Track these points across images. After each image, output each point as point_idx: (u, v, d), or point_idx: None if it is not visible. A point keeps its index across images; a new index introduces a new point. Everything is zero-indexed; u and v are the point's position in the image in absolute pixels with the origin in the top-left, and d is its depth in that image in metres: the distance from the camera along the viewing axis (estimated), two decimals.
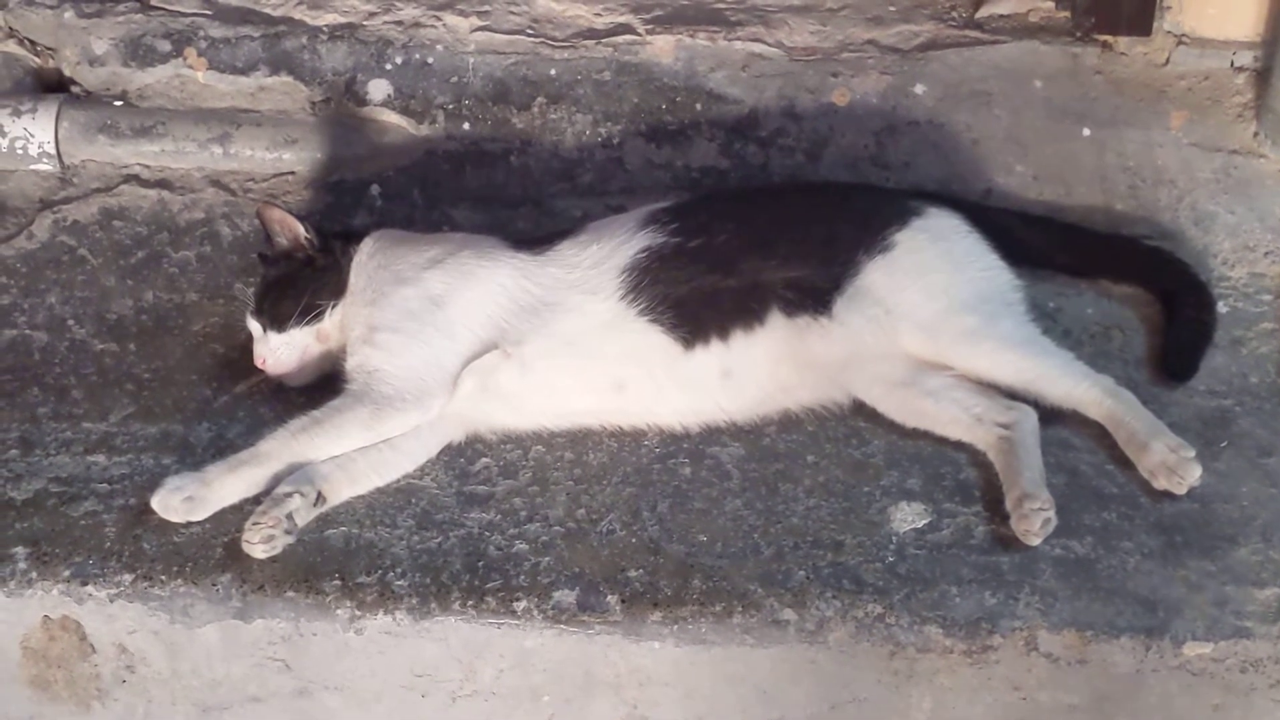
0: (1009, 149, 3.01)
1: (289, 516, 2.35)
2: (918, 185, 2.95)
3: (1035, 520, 2.30)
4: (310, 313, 2.60)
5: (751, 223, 2.64)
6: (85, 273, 2.96)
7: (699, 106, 3.08)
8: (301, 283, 2.64)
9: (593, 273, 2.59)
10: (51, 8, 3.22)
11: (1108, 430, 2.49)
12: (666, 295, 2.54)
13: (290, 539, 2.34)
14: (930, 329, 2.53)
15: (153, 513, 2.37)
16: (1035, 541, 2.31)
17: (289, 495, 2.37)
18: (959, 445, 2.51)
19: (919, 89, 3.05)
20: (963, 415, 2.50)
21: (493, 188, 3.06)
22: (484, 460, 2.54)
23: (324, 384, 2.61)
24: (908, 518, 2.40)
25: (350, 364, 2.56)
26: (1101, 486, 2.44)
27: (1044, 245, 2.78)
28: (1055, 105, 3.02)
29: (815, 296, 2.55)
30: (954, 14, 3.13)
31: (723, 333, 2.54)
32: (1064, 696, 2.25)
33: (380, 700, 2.34)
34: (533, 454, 2.55)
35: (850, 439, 2.55)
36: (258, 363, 2.62)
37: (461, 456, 2.55)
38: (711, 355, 2.54)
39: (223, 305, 2.87)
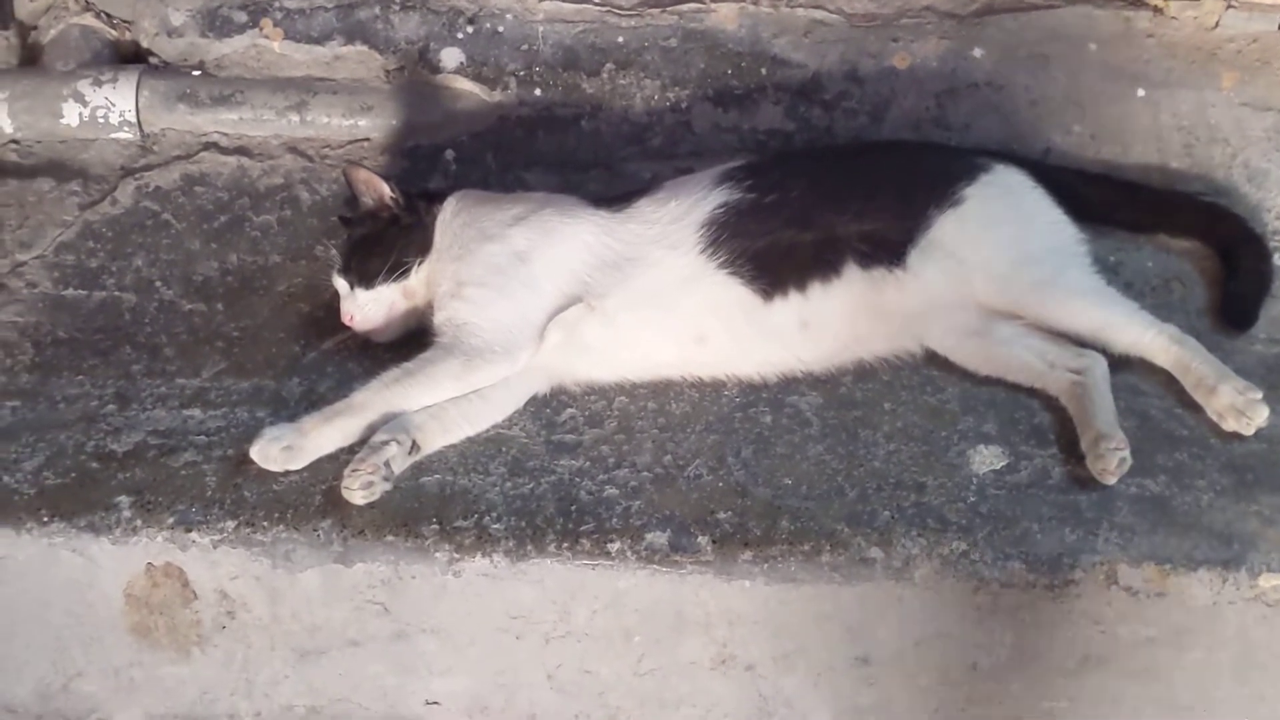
0: (1067, 110, 3.03)
1: (386, 464, 2.36)
2: (980, 145, 2.97)
3: (1112, 459, 2.33)
4: (397, 269, 2.62)
5: (825, 179, 2.66)
6: (170, 236, 2.98)
7: (763, 71, 3.10)
8: (388, 240, 2.66)
9: (672, 228, 2.61)
10: None
11: (1175, 376, 2.52)
12: (745, 249, 2.57)
13: (388, 485, 2.36)
14: (1002, 279, 2.56)
15: (252, 462, 2.39)
16: (1112, 480, 2.34)
17: (386, 443, 2.38)
18: (1031, 391, 2.54)
19: (977, 52, 3.07)
20: (1035, 362, 2.53)
21: (564, 151, 3.09)
22: (570, 410, 2.56)
23: (409, 340, 2.63)
24: (986, 460, 2.42)
25: (439, 318, 2.58)
26: (1172, 429, 2.47)
27: (1104, 201, 2.81)
28: (1110, 67, 3.05)
29: (889, 249, 2.57)
30: None
31: (800, 285, 2.56)
32: (1143, 630, 2.27)
33: (475, 643, 2.35)
34: (617, 404, 2.57)
35: (925, 386, 2.58)
36: (345, 319, 2.64)
37: (547, 407, 2.57)
38: (790, 307, 2.56)
39: (305, 266, 2.90)
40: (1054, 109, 3.03)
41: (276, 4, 3.19)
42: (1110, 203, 2.82)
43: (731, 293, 2.57)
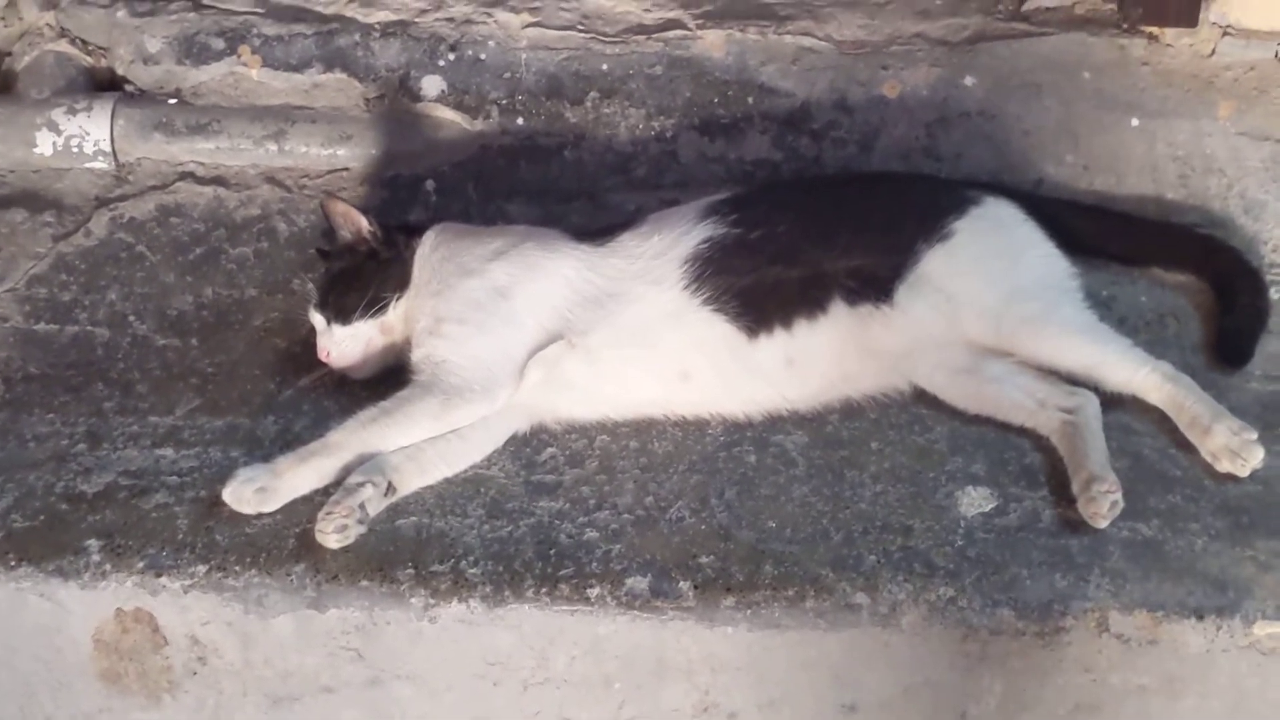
0: (1060, 140, 3.01)
1: (361, 506, 2.34)
2: (970, 176, 2.96)
3: (1103, 503, 2.30)
4: (375, 305, 2.61)
5: (811, 213, 2.64)
6: (144, 269, 2.97)
7: (751, 100, 3.09)
8: (365, 275, 2.64)
9: (655, 263, 2.59)
10: (104, 7, 3.23)
11: (1168, 415, 2.49)
12: (730, 285, 2.55)
13: (363, 528, 2.34)
14: (992, 315, 2.54)
15: (224, 504, 2.37)
16: (1103, 524, 2.31)
17: (361, 485, 2.36)
18: (1021, 431, 2.51)
19: (969, 81, 3.05)
20: (1026, 400, 2.51)
21: (547, 182, 3.07)
22: (550, 450, 2.54)
23: (387, 377, 2.61)
24: (975, 502, 2.40)
25: (417, 355, 2.56)
26: (1165, 470, 2.45)
27: (1097, 234, 2.79)
28: (1104, 96, 3.03)
29: (877, 285, 2.55)
30: (1000, 7, 3.14)
31: (786, 322, 2.54)
32: (1134, 678, 2.25)
33: (452, 689, 2.33)
34: (598, 443, 2.55)
35: (913, 425, 2.56)
36: (321, 356, 2.63)
37: (527, 446, 2.54)
38: (775, 344, 2.54)
39: (282, 300, 2.88)
40: (1047, 139, 3.01)
41: (255, 31, 3.18)
42: (1104, 235, 2.81)
43: (716, 330, 2.55)
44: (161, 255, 2.99)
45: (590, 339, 2.55)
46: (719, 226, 2.61)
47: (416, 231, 2.72)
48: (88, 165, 3.12)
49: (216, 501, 2.39)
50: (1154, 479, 2.43)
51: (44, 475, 2.49)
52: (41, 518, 2.41)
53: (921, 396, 2.59)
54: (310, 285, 2.79)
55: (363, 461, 2.42)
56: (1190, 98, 3.03)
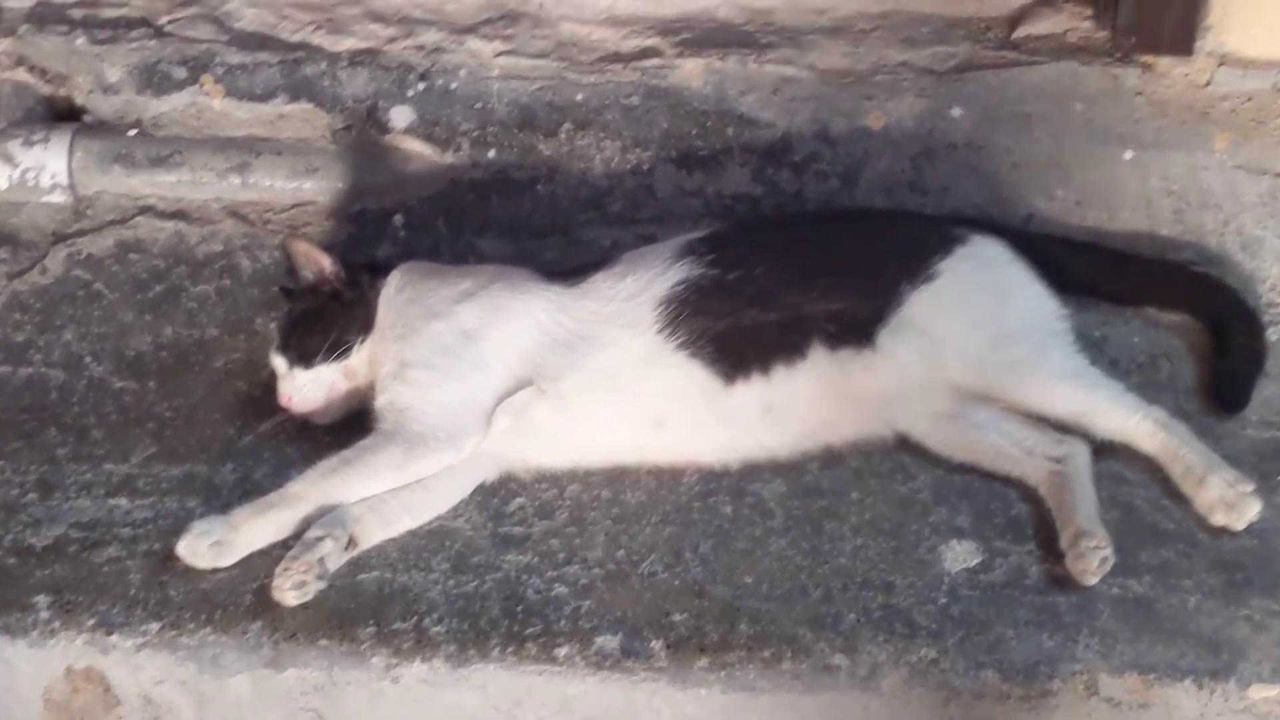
0: (1050, 173, 2.97)
1: (320, 561, 2.30)
2: (957, 211, 2.92)
3: (1092, 559, 2.26)
4: (337, 348, 2.56)
5: (790, 253, 2.60)
6: (102, 308, 2.91)
7: (730, 131, 3.04)
8: (328, 318, 2.60)
9: (629, 305, 2.54)
10: (63, 34, 3.18)
11: (1161, 464, 2.44)
12: (706, 329, 2.50)
13: (322, 584, 2.29)
14: (977, 360, 2.49)
15: (179, 559, 2.32)
16: (1092, 581, 2.26)
17: (320, 539, 2.32)
18: (1008, 480, 2.47)
19: (956, 111, 3.01)
20: (1012, 449, 2.47)
21: (519, 217, 3.03)
22: (518, 500, 2.49)
23: (351, 422, 2.56)
24: (959, 557, 2.35)
25: (381, 402, 2.51)
26: (1158, 522, 2.40)
27: (1088, 272, 2.74)
28: (1096, 127, 2.98)
29: (858, 329, 2.50)
30: (989, 34, 3.10)
31: (764, 367, 2.50)
32: None
33: None
34: (569, 493, 2.50)
35: (896, 474, 2.51)
36: (283, 401, 2.58)
37: (495, 496, 2.50)
38: (752, 390, 2.50)
39: (244, 340, 2.83)
40: (1036, 172, 2.97)
41: (218, 59, 3.14)
42: (1095, 273, 2.76)
43: (691, 375, 2.50)
44: (120, 293, 2.94)
45: (561, 384, 2.50)
46: (695, 267, 2.56)
47: (382, 271, 2.67)
48: (45, 199, 3.07)
49: (171, 555, 2.34)
50: (1146, 532, 2.38)
51: None
52: None
53: (905, 444, 2.53)
54: (273, 326, 2.73)
55: (323, 513, 2.37)
56: (1185, 129, 2.98)
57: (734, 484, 2.50)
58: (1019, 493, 2.45)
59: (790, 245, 2.63)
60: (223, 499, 2.48)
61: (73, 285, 2.95)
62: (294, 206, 3.06)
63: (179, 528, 2.36)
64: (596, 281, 2.60)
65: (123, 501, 2.50)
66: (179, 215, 3.07)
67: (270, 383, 2.62)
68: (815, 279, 2.53)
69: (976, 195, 2.96)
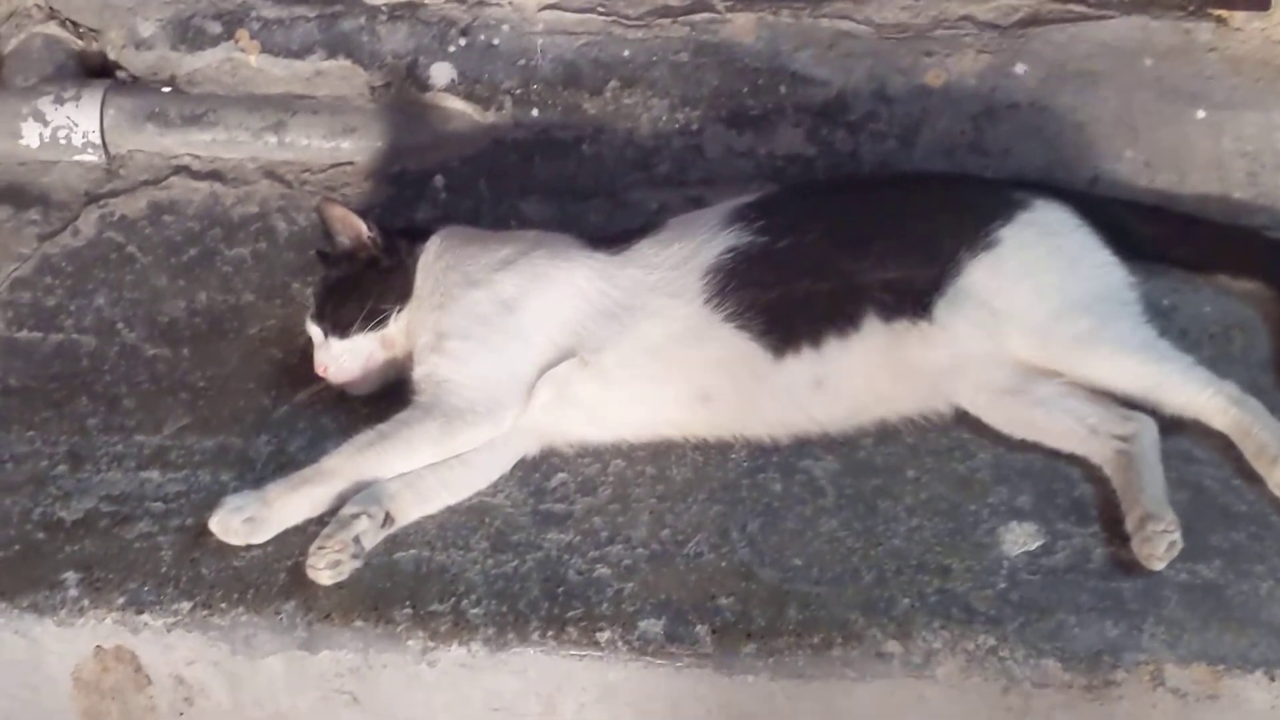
0: (1118, 133, 2.89)
1: (356, 539, 2.26)
2: (1019, 173, 2.84)
3: (1159, 543, 2.19)
4: (374, 317, 2.52)
5: (844, 219, 2.53)
6: (134, 272, 2.89)
7: (783, 89, 2.97)
8: (365, 285, 2.56)
9: (675, 274, 2.49)
10: None
11: (1233, 442, 2.37)
12: (755, 299, 2.44)
13: (358, 563, 2.26)
14: (1040, 333, 2.43)
15: (211, 535, 2.30)
16: (1159, 566, 2.20)
17: (356, 516, 2.28)
18: (1072, 459, 2.40)
19: (1020, 69, 2.93)
20: (1076, 426, 2.39)
21: (563, 178, 2.97)
22: (560, 475, 2.45)
23: (390, 392, 2.53)
24: (1019, 539, 2.29)
25: (418, 373, 2.47)
26: (1229, 504, 2.32)
27: (1157, 238, 2.66)
28: (1167, 85, 2.90)
29: (914, 299, 2.44)
30: None
31: (815, 339, 2.43)
32: None
33: None
34: (612, 468, 2.46)
35: (953, 452, 2.45)
36: (319, 370, 2.54)
37: (536, 471, 2.46)
38: (803, 363, 2.44)
39: (280, 307, 2.80)
40: (1103, 132, 2.89)
41: (253, 13, 3.09)
42: (1165, 239, 2.68)
43: (739, 347, 2.44)
44: (153, 257, 2.91)
45: (604, 356, 2.45)
46: (744, 234, 2.50)
47: (420, 236, 2.63)
48: (76, 158, 3.04)
49: (203, 531, 2.31)
50: (1216, 514, 2.30)
51: (21, 500, 2.43)
52: (16, 548, 2.35)
53: (963, 419, 2.47)
54: (309, 291, 2.70)
55: (359, 489, 2.34)
56: (1261, 87, 2.89)
57: (784, 460, 2.45)
58: (1083, 472, 2.38)
59: (844, 211, 2.56)
60: (257, 473, 2.45)
61: (105, 248, 2.92)
62: (331, 167, 3.02)
63: (212, 502, 2.33)
64: (642, 248, 2.54)
65: (154, 474, 2.47)
66: (214, 176, 3.03)
67: (307, 351, 2.59)
68: (869, 246, 2.47)
69: (1040, 157, 2.89)
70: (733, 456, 2.47)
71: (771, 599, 2.21)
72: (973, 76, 2.94)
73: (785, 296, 2.45)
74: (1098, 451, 2.37)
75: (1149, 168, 2.88)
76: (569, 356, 2.46)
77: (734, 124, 2.97)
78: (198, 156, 3.04)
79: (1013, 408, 2.44)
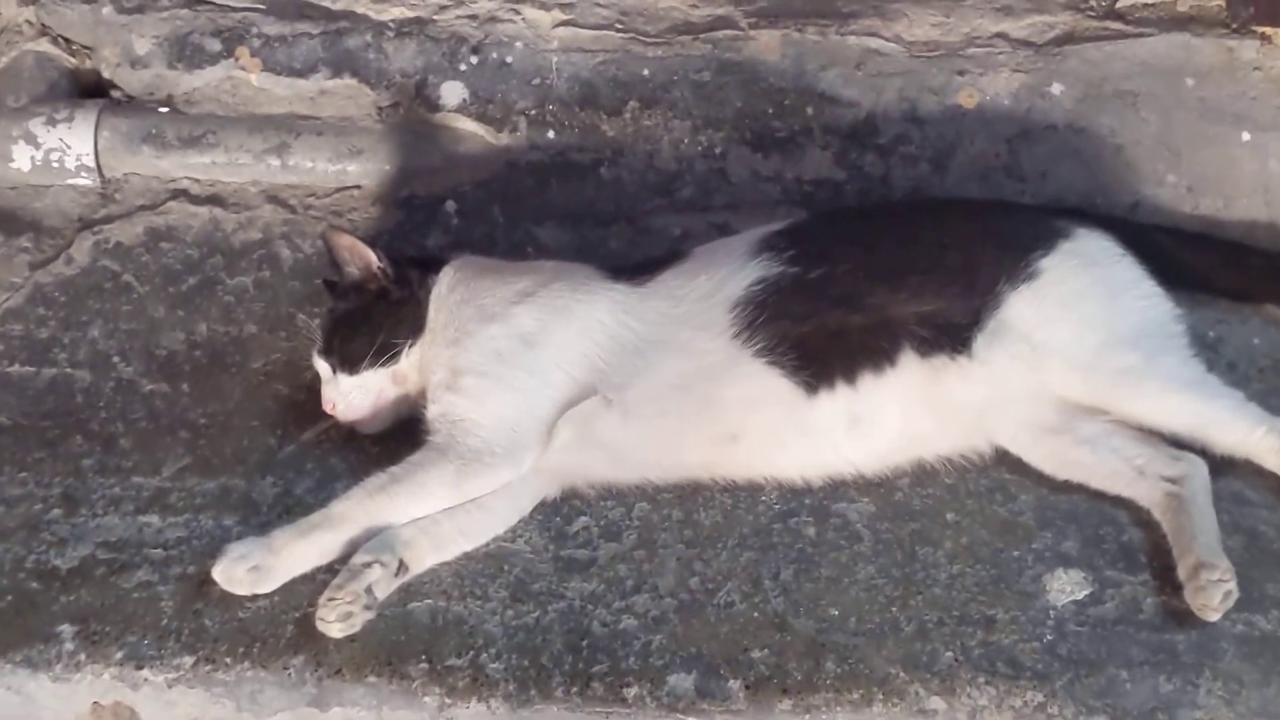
0: (1159, 156, 2.84)
1: (368, 590, 2.19)
2: (1057, 198, 2.80)
3: (1214, 593, 2.13)
4: (385, 353, 2.46)
5: (877, 249, 2.47)
6: (131, 302, 2.81)
7: (810, 110, 2.92)
8: (375, 318, 2.49)
9: (702, 307, 2.42)
10: (88, 2, 3.08)
11: None
12: (786, 333, 2.38)
13: (370, 615, 2.19)
14: (1084, 369, 2.36)
15: (214, 584, 2.23)
16: (1214, 617, 2.14)
17: (368, 565, 2.21)
18: (1119, 501, 2.34)
19: (1056, 89, 2.87)
20: (1123, 467, 2.34)
21: (581, 203, 2.91)
22: (582, 519, 2.38)
23: (401, 430, 2.46)
24: (1066, 588, 2.23)
25: (432, 412, 2.40)
26: None
27: (1202, 266, 2.61)
28: (1210, 106, 2.86)
29: (952, 333, 2.37)
30: (1092, 3, 2.95)
31: (849, 375, 2.37)
32: None
33: None
34: (637, 512, 2.39)
35: (994, 494, 2.39)
36: (327, 408, 2.48)
37: (557, 515, 2.39)
38: (837, 401, 2.37)
39: (285, 339, 2.73)
40: (1144, 155, 2.84)
41: (254, 30, 3.03)
42: (1210, 267, 2.63)
43: (770, 384, 2.37)
44: (150, 286, 2.84)
45: (628, 394, 2.38)
46: (774, 264, 2.43)
47: (433, 266, 2.56)
48: (69, 182, 2.97)
49: (206, 580, 2.24)
50: (1272, 561, 2.25)
51: (13, 547, 2.36)
52: (9, 598, 2.27)
53: (1004, 459, 2.41)
54: (315, 323, 2.63)
55: (370, 535, 2.27)
56: None
57: (817, 503, 2.39)
58: (1131, 515, 2.33)
59: (877, 239, 2.50)
60: (262, 516, 2.39)
61: (100, 276, 2.85)
62: (337, 191, 2.95)
63: (214, 549, 2.27)
64: (666, 280, 2.48)
65: (154, 519, 2.40)
66: (213, 200, 2.96)
67: (313, 385, 2.53)
68: (905, 277, 2.41)
69: (1078, 181, 2.84)
70: (763, 499, 2.40)
71: (807, 651, 2.15)
72: (1007, 97, 2.89)
73: (818, 330, 2.38)
74: (1146, 494, 2.32)
75: (1192, 192, 2.83)
76: (590, 394, 2.39)
77: (759, 146, 2.92)
78: (197, 180, 2.97)
79: (1056, 447, 2.38)
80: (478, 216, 2.90)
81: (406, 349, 2.47)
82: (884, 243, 2.48)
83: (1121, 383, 2.36)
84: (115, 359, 2.72)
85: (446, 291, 2.51)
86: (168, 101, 3.04)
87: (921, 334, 2.37)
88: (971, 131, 2.88)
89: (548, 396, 2.39)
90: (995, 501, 2.37)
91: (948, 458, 2.42)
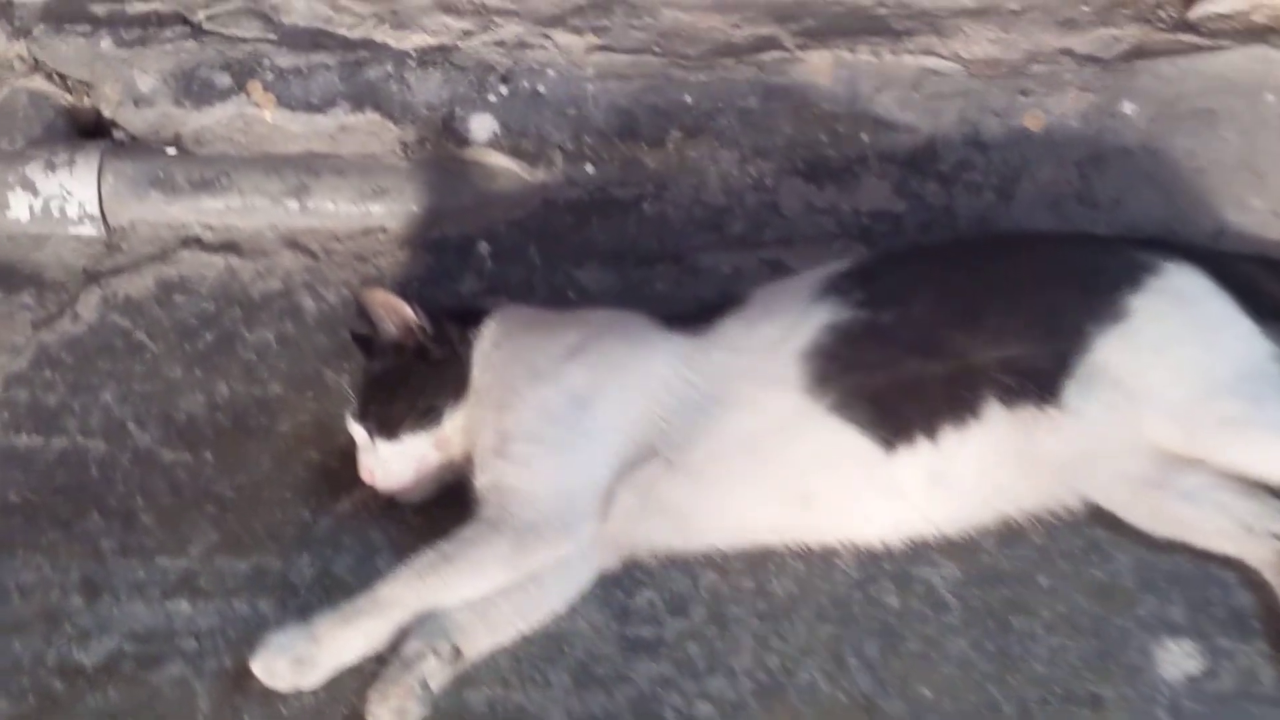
0: (1242, 179, 2.68)
1: (423, 683, 2.09)
2: (1133, 227, 2.65)
3: None
4: (428, 416, 2.32)
5: (952, 289, 2.31)
6: (144, 362, 2.65)
7: (865, 137, 2.77)
8: (415, 380, 2.35)
9: (767, 358, 2.28)
10: (85, 35, 2.90)
11: None
12: (860, 385, 2.24)
13: (425, 711, 2.09)
14: (1183, 418, 2.21)
15: (253, 678, 2.11)
16: None
17: (421, 656, 2.11)
18: (1225, 561, 2.21)
19: (1127, 108, 2.73)
20: (1229, 524, 2.19)
21: (624, 241, 2.75)
22: (646, 593, 2.26)
23: (444, 499, 2.33)
24: (1176, 659, 2.12)
25: (481, 482, 2.26)
26: None
27: None
28: None
29: (1039, 381, 2.23)
30: (1162, 13, 2.79)
31: (929, 430, 2.23)
32: None
33: None
34: (704, 583, 2.27)
35: (1089, 554, 2.26)
36: (365, 477, 2.34)
37: (618, 588, 2.27)
38: (917, 457, 2.23)
39: (313, 399, 2.57)
40: (1225, 178, 2.68)
41: (266, 62, 2.86)
42: None
43: (844, 441, 2.23)
44: (165, 344, 2.67)
45: (691, 455, 2.24)
46: (843, 308, 2.29)
47: (473, 320, 2.42)
48: (72, 231, 2.81)
49: (244, 673, 2.12)
50: None
51: (32, 641, 2.25)
52: (30, 699, 2.18)
53: (1097, 515, 2.26)
54: (346, 382, 2.50)
55: (420, 619, 2.16)
56: None
57: (898, 569, 2.26)
58: (1239, 576, 2.20)
59: (951, 277, 2.35)
60: (300, 599, 2.27)
61: (110, 334, 2.69)
62: (361, 234, 2.79)
63: (250, 636, 2.17)
64: (726, 328, 2.34)
65: (183, 605, 2.29)
66: (229, 248, 2.80)
67: (347, 450, 2.39)
68: (984, 320, 2.26)
69: (1156, 208, 2.68)
70: (839, 565, 2.28)
71: None
72: (1075, 118, 2.74)
73: (894, 381, 2.24)
74: (1255, 553, 2.19)
75: (1278, 217, 2.67)
76: (650, 456, 2.26)
77: (812, 177, 2.77)
78: (210, 227, 2.81)
79: (1154, 502, 2.23)
80: (513, 258, 2.75)
81: (449, 411, 2.33)
82: (958, 281, 2.33)
83: (1225, 432, 2.21)
84: (131, 426, 2.56)
85: (490, 348, 2.37)
86: (175, 141, 2.89)
87: (1006, 382, 2.23)
88: (1039, 156, 2.74)
89: (605, 461, 2.25)
90: (1090, 563, 2.25)
91: (1036, 515, 2.28)
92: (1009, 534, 2.28)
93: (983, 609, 2.20)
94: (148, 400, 2.59)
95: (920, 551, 2.27)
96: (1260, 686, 2.07)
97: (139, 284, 2.75)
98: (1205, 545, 2.22)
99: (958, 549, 2.27)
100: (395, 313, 2.37)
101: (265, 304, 2.72)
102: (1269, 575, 2.16)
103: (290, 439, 2.52)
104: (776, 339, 2.28)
